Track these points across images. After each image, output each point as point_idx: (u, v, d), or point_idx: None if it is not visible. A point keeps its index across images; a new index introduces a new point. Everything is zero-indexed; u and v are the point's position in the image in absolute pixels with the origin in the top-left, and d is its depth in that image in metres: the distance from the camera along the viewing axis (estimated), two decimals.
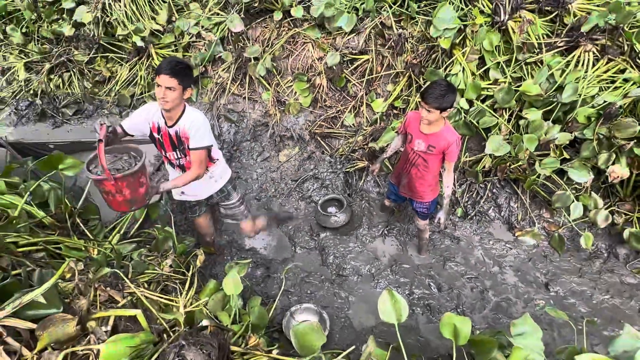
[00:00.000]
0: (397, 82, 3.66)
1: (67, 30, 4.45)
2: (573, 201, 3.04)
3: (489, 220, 3.44)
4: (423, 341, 2.70)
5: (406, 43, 3.57)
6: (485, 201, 3.46)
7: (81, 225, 2.57)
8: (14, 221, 2.11)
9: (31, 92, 4.76)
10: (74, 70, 4.63)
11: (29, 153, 3.66)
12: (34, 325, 1.32)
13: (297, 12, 3.65)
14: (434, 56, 3.50)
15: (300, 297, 3.02)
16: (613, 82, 3.05)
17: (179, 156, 2.45)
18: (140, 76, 4.30)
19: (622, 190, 3.11)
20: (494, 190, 3.47)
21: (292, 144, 4.00)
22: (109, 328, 1.44)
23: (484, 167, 3.36)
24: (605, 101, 2.96)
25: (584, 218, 3.08)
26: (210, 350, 1.37)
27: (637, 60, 3.02)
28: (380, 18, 3.60)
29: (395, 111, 3.69)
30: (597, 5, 3.16)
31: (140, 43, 4.07)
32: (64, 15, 4.63)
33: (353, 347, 1.75)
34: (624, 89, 3.00)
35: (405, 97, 3.63)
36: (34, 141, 4.05)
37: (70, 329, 1.32)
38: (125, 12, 4.15)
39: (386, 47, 3.64)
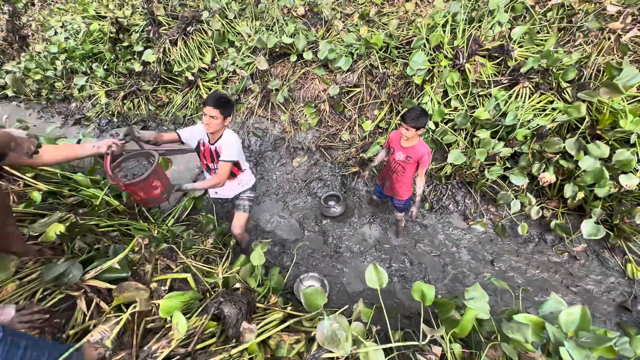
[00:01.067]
0: (381, 109, 3.65)
1: (137, 67, 4.48)
2: (513, 199, 3.03)
3: (449, 212, 3.42)
4: (399, 302, 2.69)
5: (389, 79, 3.55)
6: (446, 198, 3.44)
7: (145, 212, 2.59)
8: (96, 208, 2.13)
9: (110, 112, 4.80)
10: (142, 97, 4.67)
11: None
12: (112, 286, 1.33)
13: (308, 55, 3.65)
14: (409, 89, 3.48)
15: (307, 267, 3.02)
16: (544, 110, 3.02)
17: (216, 167, 2.39)
18: (190, 102, 4.32)
19: (550, 192, 3.08)
20: (453, 190, 3.45)
21: (303, 153, 4.00)
22: (166, 287, 1.44)
23: (446, 172, 3.34)
24: (538, 124, 2.94)
25: (521, 212, 3.05)
26: (241, 305, 1.38)
27: (562, 94, 2.99)
28: (369, 60, 3.59)
29: (380, 130, 3.68)
30: (533, 53, 3.15)
31: (191, 77, 4.09)
32: (135, 56, 4.67)
33: (346, 306, 1.75)
34: (552, 115, 2.98)
35: (388, 120, 3.62)
36: None
37: (142, 295, 1.32)
38: (180, 54, 4.17)
39: (374, 82, 3.63)
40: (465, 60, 3.19)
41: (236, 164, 2.39)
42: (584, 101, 2.75)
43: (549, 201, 3.08)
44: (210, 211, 2.87)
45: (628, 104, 2.78)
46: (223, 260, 2.23)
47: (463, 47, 3.24)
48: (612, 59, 3.05)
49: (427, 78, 3.35)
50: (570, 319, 1.59)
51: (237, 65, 3.98)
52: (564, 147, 2.73)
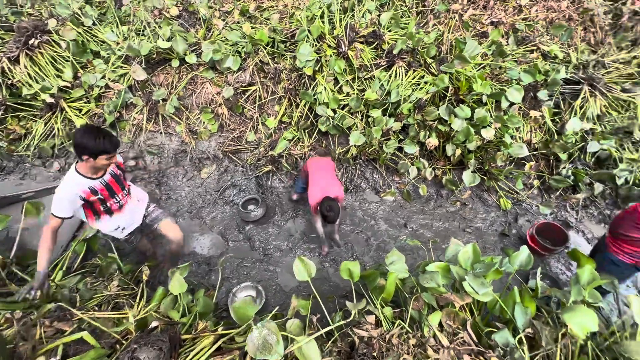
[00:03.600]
0: (281, 104, 3.65)
1: None
2: (410, 166, 3.39)
3: (362, 190, 3.67)
4: (334, 285, 2.80)
5: (281, 74, 3.57)
6: (357, 177, 3.68)
7: (19, 272, 2.09)
8: None
9: None
10: None
11: None
12: None
13: (191, 59, 3.39)
14: (303, 81, 3.56)
15: (239, 279, 2.89)
16: (418, 84, 3.43)
17: (126, 193, 2.23)
18: (58, 128, 3.60)
19: (437, 154, 3.55)
20: (362, 169, 3.70)
21: (210, 162, 3.76)
22: (58, 357, 1.19)
23: (352, 154, 3.54)
24: (416, 98, 3.32)
25: (419, 176, 3.45)
26: (161, 345, 1.23)
27: (429, 68, 3.45)
28: (258, 57, 3.54)
29: (284, 125, 3.70)
30: (400, 35, 3.53)
31: (50, 99, 3.39)
32: None
33: (277, 307, 1.73)
34: (425, 88, 3.39)
35: (289, 114, 3.65)
36: None
37: None
38: (28, 73, 3.42)
39: (267, 78, 3.60)
40: (347, 48, 3.40)
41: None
42: (445, 73, 3.23)
43: (438, 162, 3.57)
44: (110, 250, 2.47)
45: (476, 71, 3.38)
46: (137, 300, 1.96)
47: (343, 35, 3.45)
48: (460, 35, 3.64)
49: (317, 68, 3.46)
50: (466, 257, 1.88)
51: (109, 79, 3.46)
52: (439, 114, 3.17)
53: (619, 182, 3.15)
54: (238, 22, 3.80)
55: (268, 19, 3.80)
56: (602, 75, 3.51)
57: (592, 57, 3.69)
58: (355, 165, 3.69)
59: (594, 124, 3.34)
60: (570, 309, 1.39)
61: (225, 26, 3.76)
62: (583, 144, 3.29)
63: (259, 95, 3.63)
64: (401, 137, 3.49)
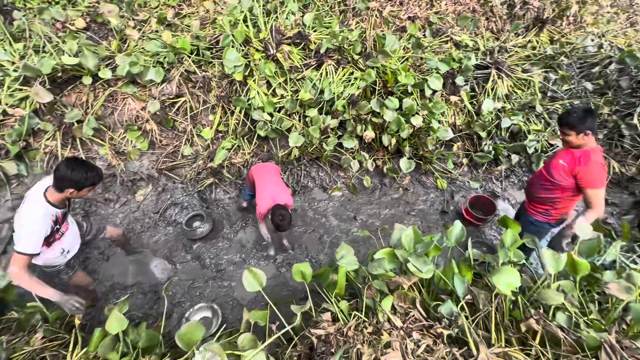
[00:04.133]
0: (215, 112, 3.51)
1: None
2: (352, 160, 3.50)
3: (310, 189, 3.69)
4: (293, 289, 2.78)
5: (211, 82, 3.43)
6: (303, 178, 3.69)
7: None
8: None
9: None
10: None
11: None
12: None
13: (105, 74, 3.08)
14: (235, 87, 3.45)
15: (192, 301, 2.72)
16: (349, 81, 3.52)
17: (67, 223, 2.16)
18: None
19: (375, 145, 3.70)
20: (307, 169, 3.72)
21: (145, 183, 3.48)
22: None
23: (295, 155, 3.54)
24: (349, 94, 3.41)
25: (362, 168, 3.58)
26: None
27: (357, 64, 3.56)
28: (183, 66, 3.36)
29: (221, 134, 3.56)
30: (325, 35, 3.61)
31: None
32: None
33: (224, 325, 1.66)
34: (356, 84, 3.50)
35: (225, 122, 3.53)
36: None
37: None
38: None
39: (196, 87, 3.43)
40: (275, 50, 3.38)
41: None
42: (372, 67, 3.38)
43: (377, 152, 3.73)
44: (30, 298, 2.15)
45: (400, 63, 3.58)
46: (71, 349, 1.74)
47: (269, 38, 3.42)
48: (382, 31, 3.83)
49: (246, 73, 3.38)
50: (408, 239, 1.98)
51: (7, 104, 3.01)
52: (371, 107, 3.31)
53: (530, 151, 3.59)
54: (157, 31, 3.56)
55: (189, 26, 3.63)
56: (506, 59, 3.95)
57: (496, 44, 4.14)
58: (300, 166, 3.69)
59: (504, 102, 3.75)
60: (497, 270, 1.54)
61: (143, 36, 3.50)
62: (498, 121, 3.68)
63: (189, 106, 3.45)
64: (340, 133, 3.57)
